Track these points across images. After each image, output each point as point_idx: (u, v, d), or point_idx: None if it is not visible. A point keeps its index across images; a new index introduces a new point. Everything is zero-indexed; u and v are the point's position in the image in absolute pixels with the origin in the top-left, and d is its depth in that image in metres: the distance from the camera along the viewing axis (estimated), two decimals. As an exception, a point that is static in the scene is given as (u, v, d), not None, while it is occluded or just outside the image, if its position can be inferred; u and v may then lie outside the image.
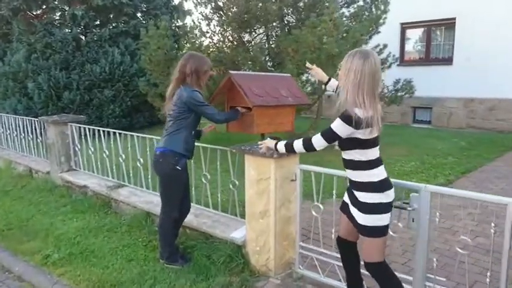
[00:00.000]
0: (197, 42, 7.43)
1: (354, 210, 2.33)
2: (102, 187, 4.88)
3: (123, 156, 4.76)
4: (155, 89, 8.40)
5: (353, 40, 6.02)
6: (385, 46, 7.54)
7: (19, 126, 6.67)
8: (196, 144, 3.71)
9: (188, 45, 8.80)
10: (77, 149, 5.54)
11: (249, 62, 7.21)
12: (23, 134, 6.60)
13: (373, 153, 2.27)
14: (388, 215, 2.27)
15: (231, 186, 3.60)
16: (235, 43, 7.56)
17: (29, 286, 3.36)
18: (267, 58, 8.07)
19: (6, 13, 10.59)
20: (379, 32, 7.36)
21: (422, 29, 11.20)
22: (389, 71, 7.97)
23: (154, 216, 4.05)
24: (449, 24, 10.53)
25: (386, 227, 2.28)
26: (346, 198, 2.46)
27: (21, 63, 10.03)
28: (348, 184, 2.42)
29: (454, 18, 10.23)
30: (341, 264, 2.73)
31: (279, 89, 3.86)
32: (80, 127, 5.42)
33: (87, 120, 10.25)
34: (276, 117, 3.73)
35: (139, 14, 11.90)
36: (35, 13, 11.03)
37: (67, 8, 10.78)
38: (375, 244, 2.29)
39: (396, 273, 2.42)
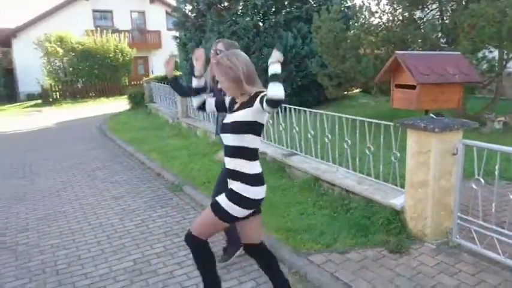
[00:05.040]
0: (366, 22, 7.66)
1: None
2: (278, 154, 5.74)
3: (297, 128, 5.50)
4: (324, 70, 8.98)
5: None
6: None
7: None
8: (360, 118, 4.12)
9: (356, 24, 9.06)
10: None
11: (419, 41, 7.12)
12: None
13: None
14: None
15: (392, 158, 3.93)
16: (405, 21, 7.50)
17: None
18: (440, 35, 7.76)
19: (202, 7, 12.55)
20: None
21: None
22: None
23: (322, 181, 4.68)
24: None
25: None
26: None
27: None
28: None
29: None
30: (501, 237, 2.84)
31: (446, 67, 3.94)
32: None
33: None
34: (441, 95, 3.86)
35: (310, -1, 12.52)
36: (223, 5, 12.74)
37: (249, -1, 12.11)
38: None
39: None
